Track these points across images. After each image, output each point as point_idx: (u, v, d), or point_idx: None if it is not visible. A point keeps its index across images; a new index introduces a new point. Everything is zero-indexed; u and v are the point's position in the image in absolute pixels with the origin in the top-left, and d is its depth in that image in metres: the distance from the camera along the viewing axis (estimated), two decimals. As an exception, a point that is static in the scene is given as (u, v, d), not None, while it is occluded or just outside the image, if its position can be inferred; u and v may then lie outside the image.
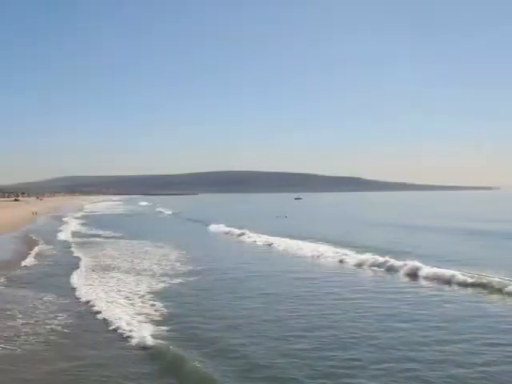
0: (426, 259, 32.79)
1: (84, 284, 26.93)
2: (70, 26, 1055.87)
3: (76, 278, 28.61)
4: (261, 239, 51.23)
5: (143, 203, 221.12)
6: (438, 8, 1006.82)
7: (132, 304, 22.29)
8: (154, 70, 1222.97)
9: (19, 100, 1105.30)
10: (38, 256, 38.67)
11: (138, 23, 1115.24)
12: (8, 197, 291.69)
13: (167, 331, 18.25)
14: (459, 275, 27.14)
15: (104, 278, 28.99)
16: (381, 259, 33.57)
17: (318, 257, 38.24)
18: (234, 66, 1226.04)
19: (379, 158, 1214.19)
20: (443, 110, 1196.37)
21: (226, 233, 62.26)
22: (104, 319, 19.79)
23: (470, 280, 26.40)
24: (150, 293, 24.69)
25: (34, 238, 53.91)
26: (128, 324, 18.73)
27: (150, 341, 16.70)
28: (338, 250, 39.93)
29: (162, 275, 29.86)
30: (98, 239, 53.30)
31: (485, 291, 24.86)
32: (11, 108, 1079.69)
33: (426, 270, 29.43)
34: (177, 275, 29.96)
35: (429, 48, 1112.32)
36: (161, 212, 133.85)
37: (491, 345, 16.41)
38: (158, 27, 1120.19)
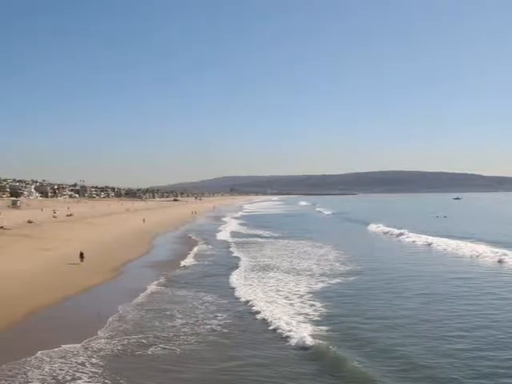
0: None
1: (243, 284, 28.07)
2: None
3: (235, 278, 29.89)
4: (420, 239, 51.43)
5: (303, 203, 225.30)
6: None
7: (291, 304, 22.91)
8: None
9: (182, 103, 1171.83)
10: (197, 256, 40.77)
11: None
12: (167, 197, 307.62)
13: (326, 331, 18.59)
14: None
15: (263, 277, 30.00)
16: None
17: (477, 257, 38.05)
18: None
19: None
20: None
21: (385, 233, 62.62)
22: (263, 319, 20.54)
23: None
24: (309, 293, 25.24)
25: (193, 237, 57.10)
26: (287, 324, 19.28)
27: (309, 341, 17.07)
28: (497, 249, 39.23)
29: (321, 275, 30.35)
30: (257, 239, 55.18)
31: None
32: (168, 112, 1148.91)
33: None
34: (336, 275, 30.35)
35: None
36: (320, 212, 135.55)
37: None
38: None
